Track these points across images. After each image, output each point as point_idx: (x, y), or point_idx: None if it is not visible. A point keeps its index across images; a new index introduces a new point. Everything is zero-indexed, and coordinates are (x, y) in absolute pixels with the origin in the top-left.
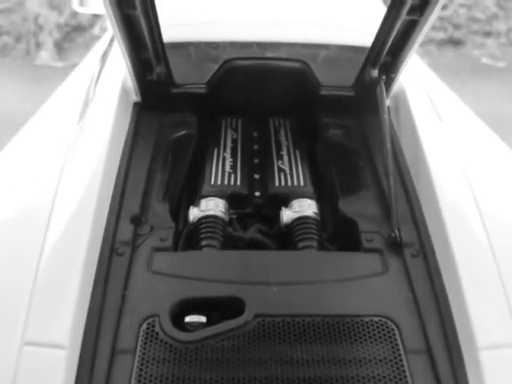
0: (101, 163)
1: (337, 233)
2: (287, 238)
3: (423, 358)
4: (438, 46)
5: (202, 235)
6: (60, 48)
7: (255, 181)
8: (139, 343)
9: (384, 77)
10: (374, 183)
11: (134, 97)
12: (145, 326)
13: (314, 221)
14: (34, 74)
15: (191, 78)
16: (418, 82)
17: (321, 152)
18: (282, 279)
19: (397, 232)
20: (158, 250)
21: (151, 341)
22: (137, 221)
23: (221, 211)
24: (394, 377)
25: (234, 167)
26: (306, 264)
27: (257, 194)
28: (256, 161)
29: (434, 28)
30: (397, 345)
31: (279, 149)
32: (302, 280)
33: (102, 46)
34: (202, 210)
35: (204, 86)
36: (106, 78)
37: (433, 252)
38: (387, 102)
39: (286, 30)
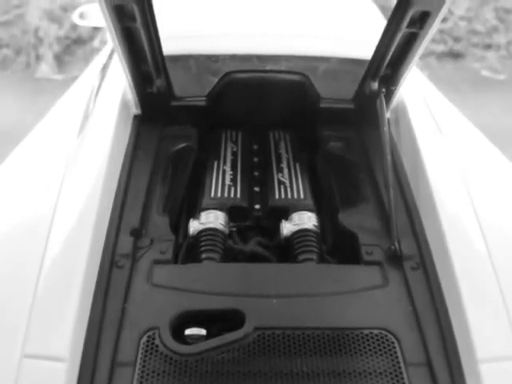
0: (101, 176)
1: (337, 245)
2: (287, 250)
3: (423, 371)
4: (437, 59)
5: (202, 248)
6: (60, 61)
7: (255, 193)
8: (139, 356)
9: (384, 89)
10: (373, 196)
11: (134, 109)
12: (145, 338)
13: (313, 233)
14: (34, 86)
15: (191, 90)
16: (417, 94)
17: (321, 165)
18: (282, 292)
19: (397, 245)
20: (157, 262)
21: (151, 353)
22: (137, 233)
23: (221, 224)
24: None
25: (233, 180)
26: (306, 277)
27: (257, 206)
28: (256, 173)
29: (433, 41)
30: (397, 357)
31: (279, 161)
32: (302, 293)
33: (102, 59)
34: (201, 223)
35: (204, 98)
36: (105, 90)
37: (433, 265)
38: (387, 115)
39: (286, 43)
